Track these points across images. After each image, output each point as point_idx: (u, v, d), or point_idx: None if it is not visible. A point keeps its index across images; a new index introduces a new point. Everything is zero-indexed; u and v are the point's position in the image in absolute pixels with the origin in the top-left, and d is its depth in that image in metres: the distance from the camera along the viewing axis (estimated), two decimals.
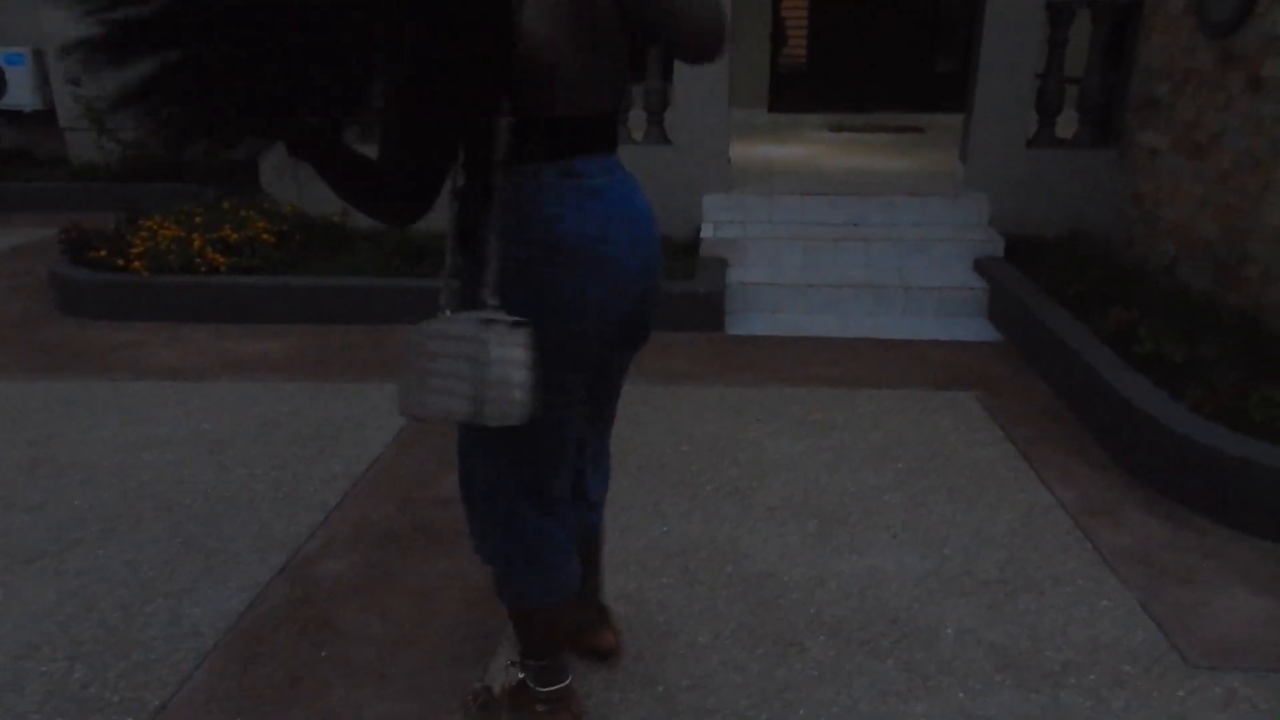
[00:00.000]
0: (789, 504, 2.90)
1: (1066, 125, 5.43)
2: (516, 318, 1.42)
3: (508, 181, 1.45)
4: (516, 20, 1.34)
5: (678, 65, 5.23)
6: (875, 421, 3.50)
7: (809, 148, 7.29)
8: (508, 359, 1.40)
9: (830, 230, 5.18)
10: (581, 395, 1.66)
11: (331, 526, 2.78)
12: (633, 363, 1.85)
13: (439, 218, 1.56)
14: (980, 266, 4.89)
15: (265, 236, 4.94)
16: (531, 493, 1.66)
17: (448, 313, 1.49)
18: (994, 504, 2.89)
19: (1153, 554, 2.61)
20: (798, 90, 9.04)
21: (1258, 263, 3.74)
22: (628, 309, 1.60)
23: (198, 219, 5.09)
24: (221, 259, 4.76)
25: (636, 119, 5.63)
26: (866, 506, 2.88)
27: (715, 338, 4.46)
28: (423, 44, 1.28)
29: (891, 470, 3.11)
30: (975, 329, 4.57)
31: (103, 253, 4.82)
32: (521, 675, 1.91)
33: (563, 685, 1.89)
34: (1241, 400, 2.98)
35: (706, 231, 5.19)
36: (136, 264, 4.71)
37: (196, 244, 4.79)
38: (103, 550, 2.65)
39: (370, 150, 1.45)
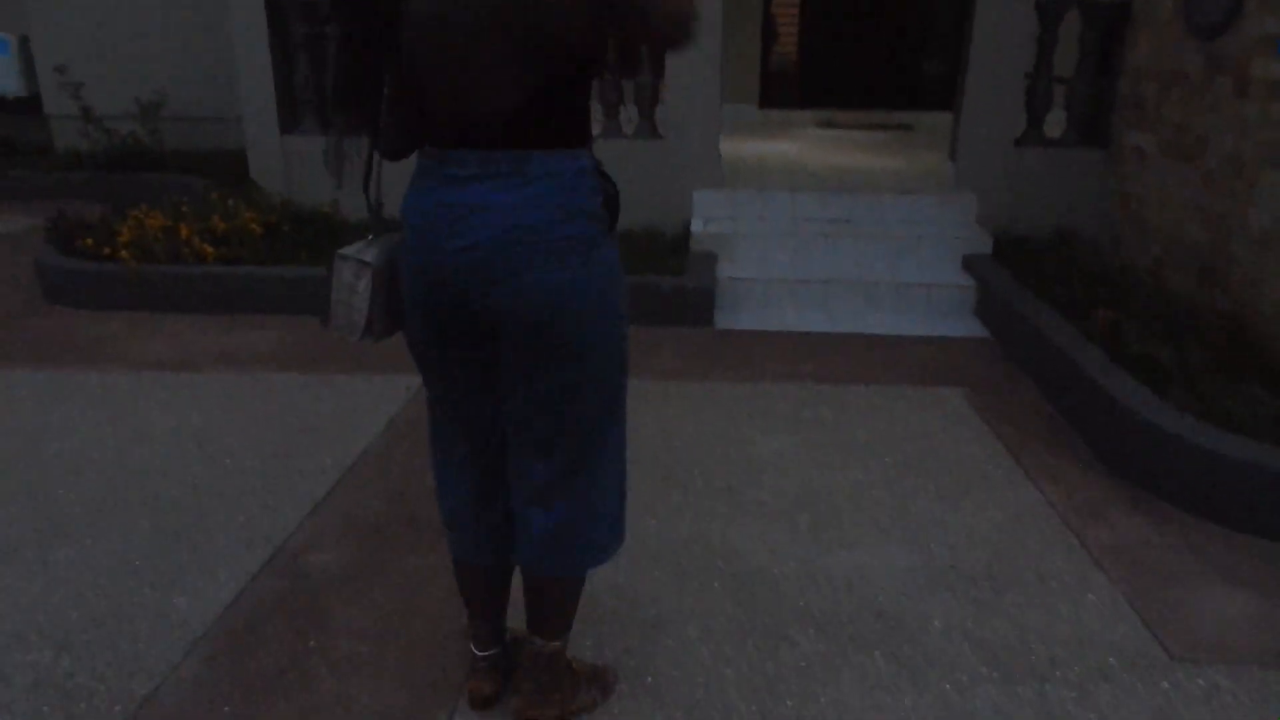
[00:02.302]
0: (779, 500, 2.91)
1: (1055, 125, 5.47)
2: (365, 258, 1.69)
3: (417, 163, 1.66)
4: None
5: (669, 61, 5.23)
6: (864, 418, 3.51)
7: (799, 144, 7.31)
8: (350, 287, 1.70)
9: (820, 227, 5.19)
10: (453, 396, 1.77)
11: (320, 518, 2.78)
12: (553, 397, 1.66)
13: None
14: (969, 264, 4.92)
15: (254, 227, 4.92)
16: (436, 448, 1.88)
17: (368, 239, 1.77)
18: (981, 501, 2.91)
19: (1138, 551, 2.64)
20: (788, 87, 9.05)
21: (1242, 266, 3.78)
22: (448, 301, 1.62)
23: (185, 209, 5.06)
24: (209, 249, 4.73)
25: (628, 114, 5.63)
26: (855, 503, 2.90)
27: (705, 333, 4.46)
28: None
29: (880, 467, 3.13)
30: (964, 326, 4.59)
31: (90, 242, 4.78)
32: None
33: (480, 655, 1.99)
34: (1226, 399, 3.01)
35: (697, 226, 5.20)
36: (124, 253, 4.68)
37: (184, 233, 4.76)
38: (90, 541, 2.63)
39: None
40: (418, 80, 1.53)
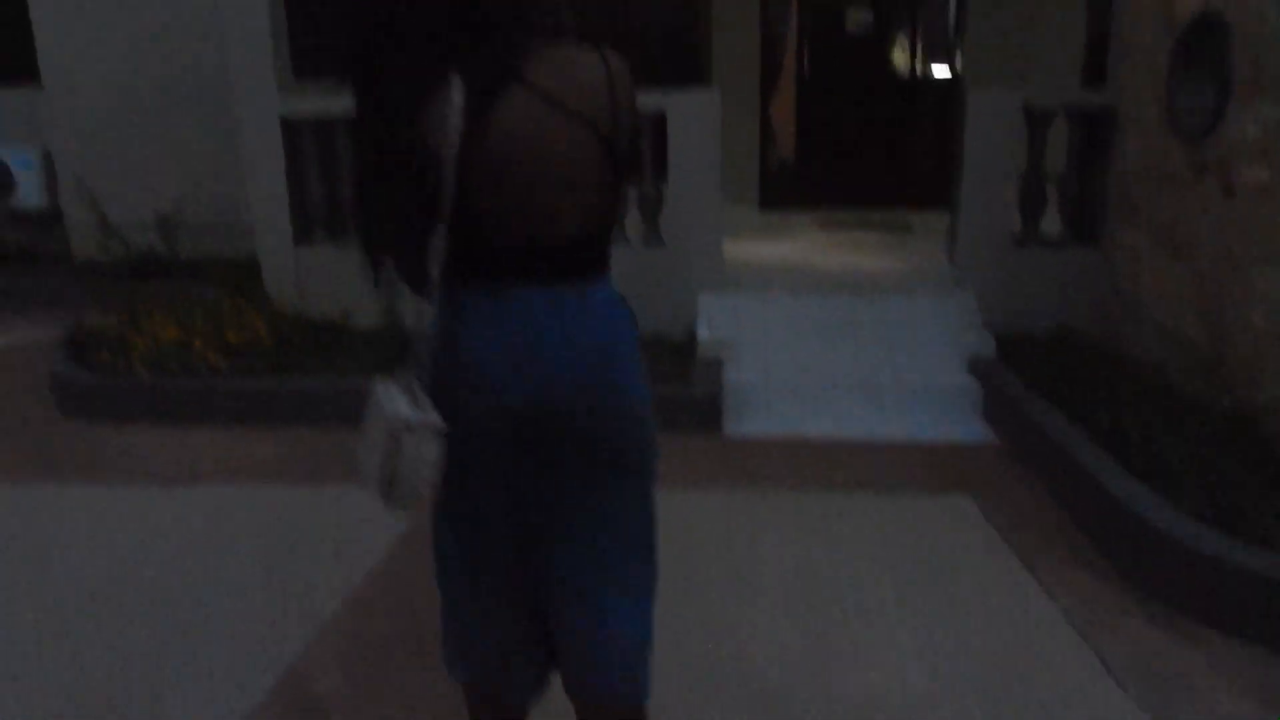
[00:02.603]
0: (789, 613, 2.88)
1: (1051, 222, 5.57)
2: (433, 421, 1.52)
3: (445, 296, 1.57)
4: (442, 153, 1.45)
5: (671, 166, 5.38)
6: (873, 527, 3.50)
7: (800, 245, 7.44)
8: (416, 457, 1.51)
9: (822, 329, 5.25)
10: (495, 541, 1.67)
11: (326, 640, 2.75)
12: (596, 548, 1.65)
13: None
14: (972, 365, 4.95)
15: (265, 339, 5.00)
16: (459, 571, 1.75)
17: (401, 380, 1.61)
18: (995, 613, 2.88)
19: (1157, 665, 2.59)
20: (787, 188, 9.26)
21: (1243, 364, 3.81)
22: (523, 436, 1.59)
23: (199, 322, 5.15)
24: (222, 361, 4.80)
25: (632, 220, 5.76)
26: (867, 617, 2.86)
27: (712, 440, 4.48)
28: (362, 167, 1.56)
29: (891, 578, 3.10)
30: (969, 429, 4.60)
31: (105, 355, 4.85)
32: None
33: None
34: (1239, 505, 3.00)
35: (702, 331, 5.26)
36: (138, 366, 4.75)
37: (197, 346, 4.84)
38: (89, 661, 2.61)
39: None
40: (475, 216, 1.51)
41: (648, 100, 4.95)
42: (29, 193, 8.27)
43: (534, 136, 1.47)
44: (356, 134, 1.57)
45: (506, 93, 1.47)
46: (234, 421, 4.69)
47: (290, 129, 5.63)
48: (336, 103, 5.58)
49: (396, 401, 1.55)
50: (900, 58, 8.96)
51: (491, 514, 1.66)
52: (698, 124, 5.30)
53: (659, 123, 5.31)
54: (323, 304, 5.57)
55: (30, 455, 4.31)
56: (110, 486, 3.92)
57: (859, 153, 9.12)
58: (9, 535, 3.47)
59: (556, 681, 1.78)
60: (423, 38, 1.48)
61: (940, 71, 8.88)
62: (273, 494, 3.84)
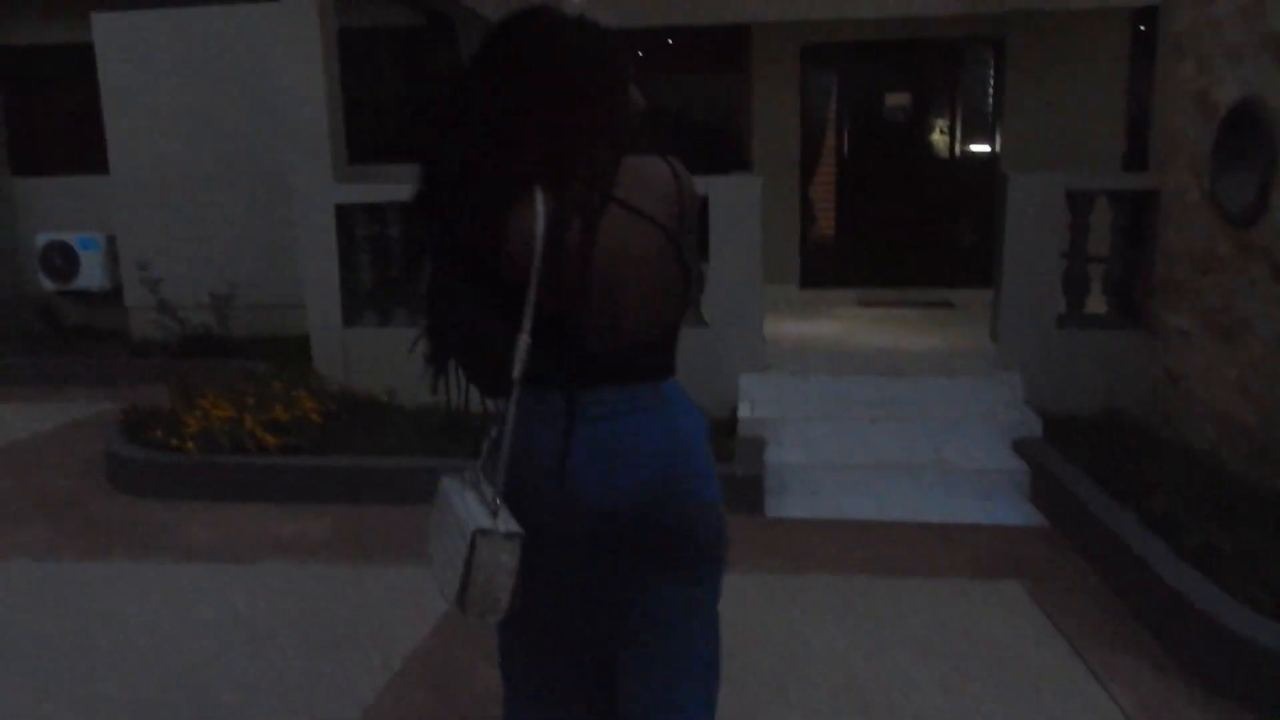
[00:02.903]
0: (832, 703, 2.81)
1: (1097, 302, 5.53)
2: (512, 528, 1.48)
3: (520, 397, 1.55)
4: (525, 263, 1.48)
5: (713, 249, 5.46)
6: (920, 614, 3.42)
7: (841, 324, 7.46)
8: (495, 565, 1.47)
9: (866, 409, 5.23)
10: (566, 648, 1.68)
11: None
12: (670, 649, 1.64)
13: (475, 397, 1.67)
14: (1019, 447, 4.88)
15: (313, 416, 5.09)
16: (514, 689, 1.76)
17: (470, 479, 1.61)
18: (1047, 705, 2.79)
19: None
20: (827, 266, 9.32)
21: None
22: (603, 540, 1.58)
23: (250, 399, 5.27)
24: (271, 438, 4.89)
25: None
26: (915, 710, 2.79)
27: (754, 521, 4.44)
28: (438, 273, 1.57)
29: (939, 668, 3.02)
30: (1018, 512, 4.51)
31: (159, 433, 4.98)
32: None
33: None
34: None
35: (743, 411, 5.27)
36: (189, 444, 4.86)
37: (247, 424, 4.94)
38: None
39: None
40: (557, 323, 1.53)
41: None
42: (92, 274, 8.60)
43: (618, 246, 1.52)
44: (437, 245, 1.58)
45: (591, 206, 1.52)
46: (282, 498, 4.75)
47: (343, 214, 5.83)
48: (387, 190, 5.79)
49: (470, 504, 1.53)
50: (939, 138, 9.07)
51: (561, 621, 1.65)
52: (740, 208, 5.39)
53: (701, 206, 5.41)
54: (369, 382, 5.69)
55: (81, 531, 4.40)
56: (158, 564, 3.98)
57: (899, 231, 9.17)
58: (55, 612, 3.52)
59: None
60: (510, 153, 1.51)
61: (980, 150, 8.97)
62: (317, 572, 3.87)
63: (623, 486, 1.56)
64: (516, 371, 1.51)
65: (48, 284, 8.71)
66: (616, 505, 1.56)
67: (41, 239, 8.67)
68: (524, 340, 1.50)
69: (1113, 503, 3.91)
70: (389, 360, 5.71)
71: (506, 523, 1.49)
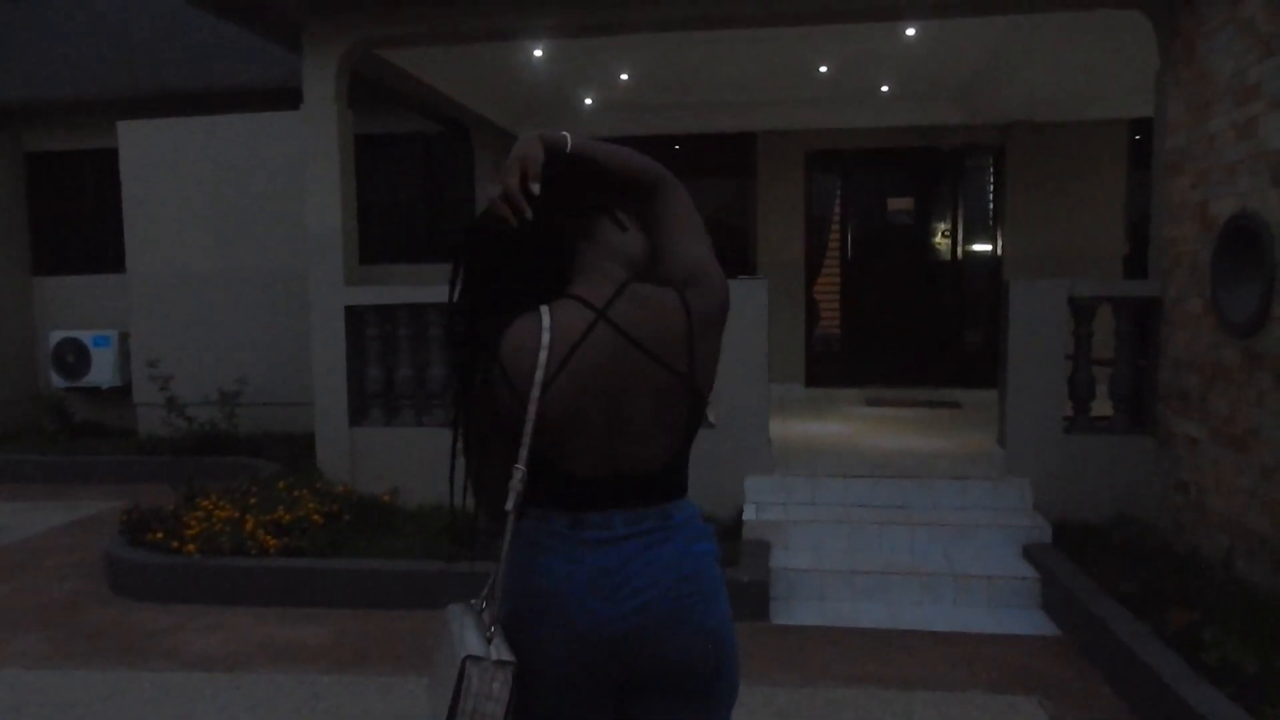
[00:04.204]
0: None
1: (1102, 404, 5.52)
2: (505, 656, 1.48)
3: (520, 524, 1.56)
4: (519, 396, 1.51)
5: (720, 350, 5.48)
6: None
7: (847, 424, 7.45)
8: (485, 694, 1.46)
9: (874, 513, 5.18)
10: None
11: None
12: None
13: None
14: (1029, 554, 4.81)
15: (315, 517, 5.06)
16: None
17: (475, 605, 1.59)
18: None
19: None
20: (833, 365, 9.37)
21: None
22: (607, 667, 1.56)
23: (253, 500, 5.25)
24: (272, 540, 4.85)
25: None
26: None
27: (760, 628, 4.35)
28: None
29: None
30: (1030, 621, 4.42)
31: (160, 535, 4.94)
32: None
33: None
34: None
35: (749, 513, 5.22)
36: (190, 546, 4.82)
37: (249, 526, 4.91)
38: None
39: None
40: (556, 449, 1.55)
41: None
42: (103, 371, 8.69)
43: (612, 373, 1.54)
44: (465, 388, 1.60)
45: (592, 331, 1.54)
46: (282, 602, 4.68)
47: (352, 315, 5.91)
48: (398, 292, 5.88)
49: (467, 630, 1.51)
50: (942, 242, 9.23)
51: None
52: (747, 312, 5.45)
53: None
54: (372, 480, 5.67)
55: (77, 638, 4.33)
56: (154, 672, 3.90)
57: (903, 331, 9.25)
58: None
59: None
60: (521, 282, 1.58)
61: (982, 251, 9.11)
62: (316, 681, 3.78)
63: (624, 613, 1.53)
64: (510, 504, 1.52)
65: (58, 381, 8.80)
66: (618, 633, 1.53)
67: (55, 336, 8.80)
68: (519, 472, 1.52)
69: (1128, 615, 3.82)
70: (393, 460, 5.73)
71: (499, 650, 1.48)
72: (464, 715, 1.46)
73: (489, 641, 1.49)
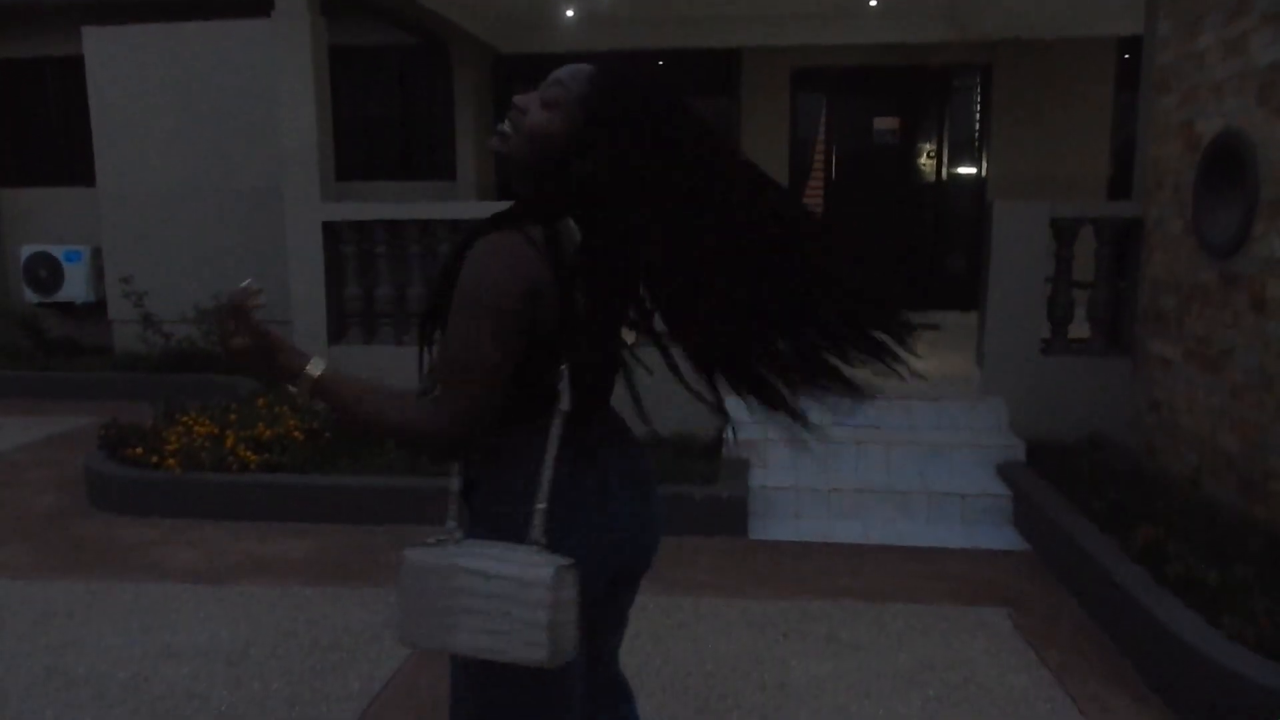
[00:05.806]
0: None
1: (1080, 326, 5.55)
2: (565, 559, 1.42)
3: (548, 429, 1.50)
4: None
5: None
6: (904, 641, 3.41)
7: None
8: (566, 601, 1.41)
9: (851, 433, 5.22)
10: (577, 673, 1.60)
11: None
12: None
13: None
14: (1003, 472, 4.89)
15: (296, 434, 5.06)
16: None
17: (465, 542, 1.50)
18: None
19: None
20: None
21: (1278, 478, 3.74)
22: (635, 566, 1.66)
23: (233, 416, 5.23)
24: (252, 456, 4.85)
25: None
26: None
27: (738, 543, 4.43)
28: None
29: (921, 698, 3.01)
30: (1001, 537, 4.52)
31: (139, 450, 4.93)
32: None
33: None
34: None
35: (728, 432, 5.24)
36: (170, 461, 4.81)
37: (229, 442, 4.90)
38: None
39: None
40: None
41: None
42: (76, 286, 8.55)
43: None
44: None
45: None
46: (263, 518, 4.71)
47: (330, 231, 5.81)
48: (375, 209, 5.78)
49: (505, 561, 1.43)
50: (927, 163, 9.14)
51: (576, 666, 1.56)
52: None
53: None
54: None
55: (58, 550, 4.35)
56: (136, 584, 3.93)
57: (885, 253, 9.22)
58: (30, 633, 3.47)
59: None
60: None
61: (967, 173, 9.04)
62: (298, 593, 3.83)
63: (654, 523, 1.65)
64: (566, 403, 1.49)
65: (31, 296, 8.65)
66: (651, 534, 1.64)
67: (26, 250, 8.63)
68: (565, 371, 1.49)
69: (1095, 530, 3.91)
70: (373, 377, 5.69)
71: (558, 559, 1.43)
72: (559, 628, 1.41)
73: (537, 559, 1.43)
